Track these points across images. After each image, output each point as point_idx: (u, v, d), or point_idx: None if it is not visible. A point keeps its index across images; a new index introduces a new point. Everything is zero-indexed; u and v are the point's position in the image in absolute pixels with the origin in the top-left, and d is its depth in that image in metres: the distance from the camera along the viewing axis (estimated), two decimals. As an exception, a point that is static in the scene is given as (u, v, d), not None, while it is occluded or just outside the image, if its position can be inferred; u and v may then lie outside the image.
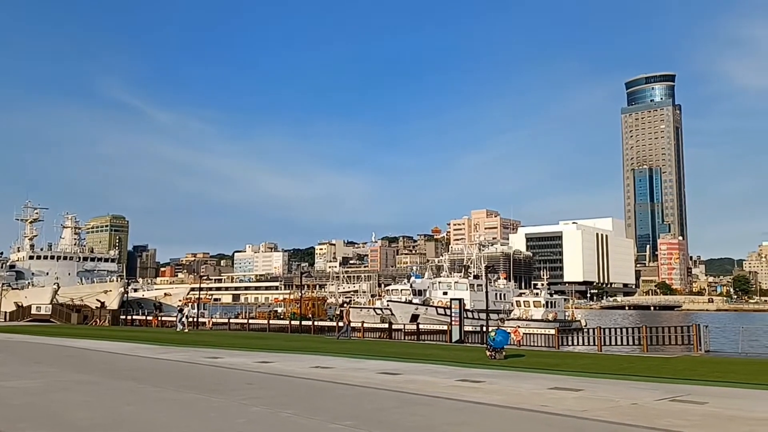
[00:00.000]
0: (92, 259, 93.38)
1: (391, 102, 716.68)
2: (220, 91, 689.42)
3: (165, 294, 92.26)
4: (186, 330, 48.76)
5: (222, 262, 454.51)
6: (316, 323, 57.20)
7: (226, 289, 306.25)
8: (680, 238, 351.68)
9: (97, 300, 75.33)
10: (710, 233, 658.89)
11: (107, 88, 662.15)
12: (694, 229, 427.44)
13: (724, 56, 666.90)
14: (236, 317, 68.89)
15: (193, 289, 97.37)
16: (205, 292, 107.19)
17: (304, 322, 56.53)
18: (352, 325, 44.86)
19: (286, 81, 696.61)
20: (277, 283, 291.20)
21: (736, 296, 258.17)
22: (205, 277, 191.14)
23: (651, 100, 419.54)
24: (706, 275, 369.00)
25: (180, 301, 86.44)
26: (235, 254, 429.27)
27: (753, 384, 16.33)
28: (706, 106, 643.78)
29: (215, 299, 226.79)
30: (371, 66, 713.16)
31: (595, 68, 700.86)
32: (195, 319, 62.21)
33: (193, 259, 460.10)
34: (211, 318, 65.92)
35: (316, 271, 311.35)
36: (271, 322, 60.99)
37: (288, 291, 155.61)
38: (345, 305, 42.84)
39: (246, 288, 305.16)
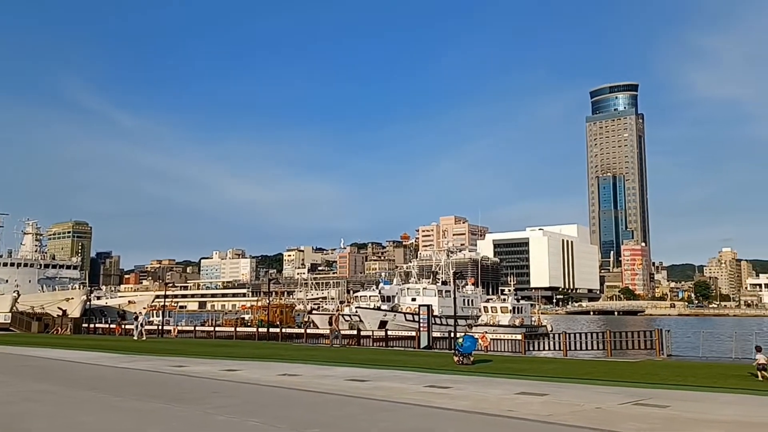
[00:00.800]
0: (54, 266, 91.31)
1: (360, 108, 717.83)
2: (189, 95, 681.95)
3: (129, 302, 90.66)
4: (143, 338, 48.01)
5: (188, 268, 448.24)
6: (284, 330, 56.71)
7: (192, 296, 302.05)
8: (643, 244, 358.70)
9: (59, 308, 73.59)
10: (672, 240, 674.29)
11: (71, 90, 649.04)
12: (657, 235, 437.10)
13: (686, 67, 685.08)
14: (202, 325, 67.94)
15: (158, 297, 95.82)
16: (170, 300, 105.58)
17: (271, 330, 56.00)
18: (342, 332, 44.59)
19: (255, 86, 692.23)
20: (244, 290, 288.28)
21: (697, 301, 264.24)
22: (170, 284, 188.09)
23: (615, 109, 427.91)
24: (668, 281, 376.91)
25: (144, 308, 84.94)
26: (202, 261, 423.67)
27: (713, 387, 16.70)
28: (668, 115, 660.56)
29: (181, 306, 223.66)
30: (341, 71, 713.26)
31: (562, 78, 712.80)
32: (160, 327, 61.19)
33: (158, 265, 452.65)
34: (177, 326, 64.88)
35: (285, 278, 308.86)
36: (238, 329, 60.25)
37: (256, 298, 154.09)
38: (336, 313, 42.56)
39: (213, 295, 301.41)
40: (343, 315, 75.72)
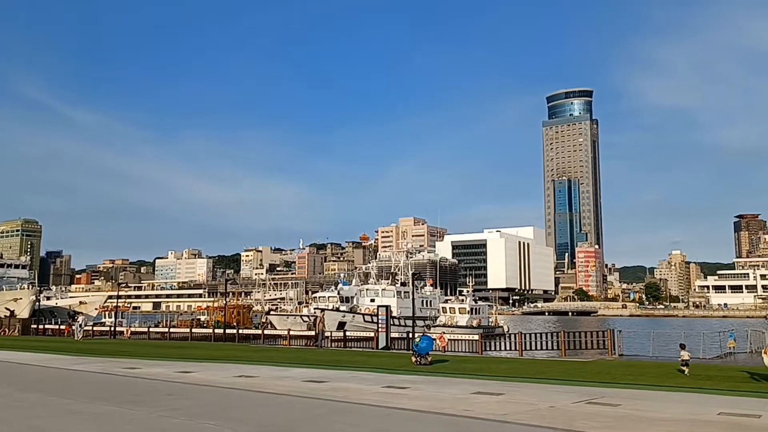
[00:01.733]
0: (1, 266, 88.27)
1: (319, 109, 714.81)
2: (146, 93, 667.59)
3: (80, 302, 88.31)
4: (83, 338, 47.01)
5: (142, 268, 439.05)
6: (240, 331, 56.07)
7: (147, 296, 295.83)
8: (596, 246, 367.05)
9: (6, 308, 71.17)
10: (624, 242, 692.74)
11: (24, 86, 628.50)
12: (610, 238, 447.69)
13: (638, 75, 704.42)
14: (156, 326, 66.61)
15: (110, 297, 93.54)
16: (123, 300, 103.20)
17: (228, 331, 55.29)
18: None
19: (214, 84, 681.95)
20: (200, 291, 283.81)
21: (647, 302, 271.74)
22: (123, 285, 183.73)
23: (570, 114, 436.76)
24: (620, 282, 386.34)
25: (96, 309, 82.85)
26: (157, 261, 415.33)
27: (663, 386, 17.20)
28: (621, 121, 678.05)
29: (134, 307, 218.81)
30: (300, 72, 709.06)
31: (519, 83, 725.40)
32: (112, 328, 59.78)
33: (111, 265, 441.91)
34: (130, 327, 63.50)
35: (242, 278, 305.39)
36: (193, 330, 59.32)
37: (212, 299, 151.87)
38: (318, 315, 41.82)
39: (167, 296, 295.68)
40: (301, 316, 75.33)
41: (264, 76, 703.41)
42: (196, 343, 47.76)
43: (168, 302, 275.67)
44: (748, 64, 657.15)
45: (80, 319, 50.64)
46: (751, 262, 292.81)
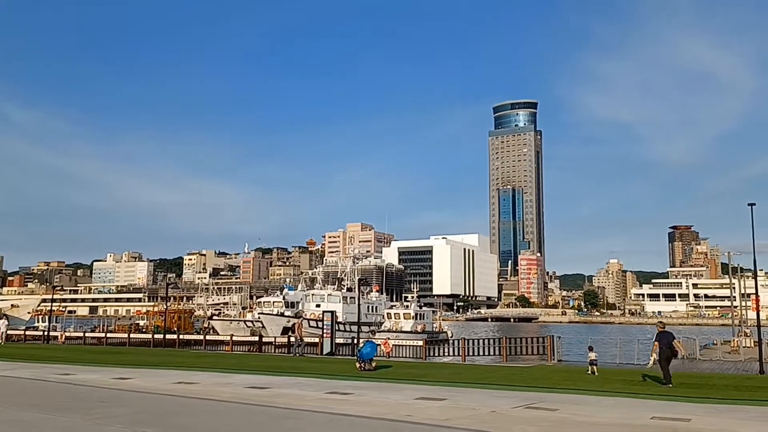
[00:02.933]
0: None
1: (265, 112, 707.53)
2: (87, 91, 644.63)
3: (12, 305, 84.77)
4: (2, 343, 45.27)
5: (79, 271, 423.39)
6: (181, 337, 54.82)
7: (83, 300, 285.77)
8: (538, 254, 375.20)
9: (-71, 312, 67.53)
10: (565, 250, 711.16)
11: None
12: (551, 246, 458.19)
13: (581, 89, 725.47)
14: (93, 330, 64.52)
15: (44, 301, 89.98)
16: (58, 304, 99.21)
17: (168, 336, 53.96)
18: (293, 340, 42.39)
19: (157, 84, 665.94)
20: (140, 295, 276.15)
21: (586, 309, 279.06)
22: (59, 288, 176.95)
23: (515, 125, 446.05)
24: (560, 289, 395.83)
25: (29, 313, 79.65)
26: (95, 263, 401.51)
27: (599, 391, 17.72)
28: (564, 133, 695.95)
29: (70, 311, 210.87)
30: (246, 73, 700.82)
31: (468, 93, 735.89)
32: (46, 333, 57.54)
33: (45, 267, 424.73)
34: (64, 331, 61.26)
35: (184, 283, 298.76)
36: (132, 335, 57.65)
37: (152, 303, 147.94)
38: (296, 321, 40.42)
39: (105, 300, 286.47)
40: (245, 321, 74.26)
41: (211, 78, 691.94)
42: (135, 349, 46.46)
43: (105, 306, 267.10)
44: (684, 82, 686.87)
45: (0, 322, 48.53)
46: (683, 271, 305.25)
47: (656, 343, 20.19)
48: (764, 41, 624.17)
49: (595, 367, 23.20)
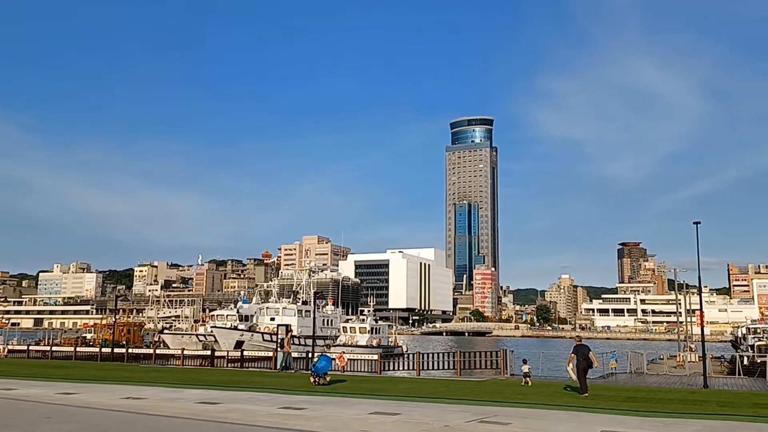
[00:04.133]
0: None
1: (218, 123, 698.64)
2: (36, 95, 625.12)
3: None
4: None
5: (24, 282, 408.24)
6: (130, 351, 53.35)
7: (27, 312, 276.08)
8: (493, 269, 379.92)
9: None
10: (519, 265, 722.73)
11: None
12: (505, 261, 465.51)
13: (535, 107, 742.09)
14: (37, 343, 62.18)
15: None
16: (1, 316, 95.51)
17: (116, 350, 52.46)
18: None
19: (110, 91, 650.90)
20: (88, 307, 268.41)
21: (538, 324, 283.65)
22: (2, 299, 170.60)
23: (472, 141, 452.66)
24: (513, 304, 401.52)
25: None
26: (41, 274, 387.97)
27: (551, 405, 18.01)
28: (519, 150, 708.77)
29: (13, 324, 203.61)
30: (202, 84, 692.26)
31: (425, 108, 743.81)
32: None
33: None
34: (7, 344, 58.95)
35: (135, 295, 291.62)
36: (78, 349, 55.79)
37: (101, 316, 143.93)
38: (284, 336, 38.84)
39: (51, 312, 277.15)
40: (197, 334, 72.81)
41: (165, 86, 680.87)
42: (81, 363, 45.00)
43: (51, 319, 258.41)
44: (633, 102, 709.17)
45: None
46: (632, 287, 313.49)
47: (573, 355, 21.43)
48: (708, 65, 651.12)
49: (528, 379, 24.69)
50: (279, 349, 37.86)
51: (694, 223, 29.57)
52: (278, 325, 43.62)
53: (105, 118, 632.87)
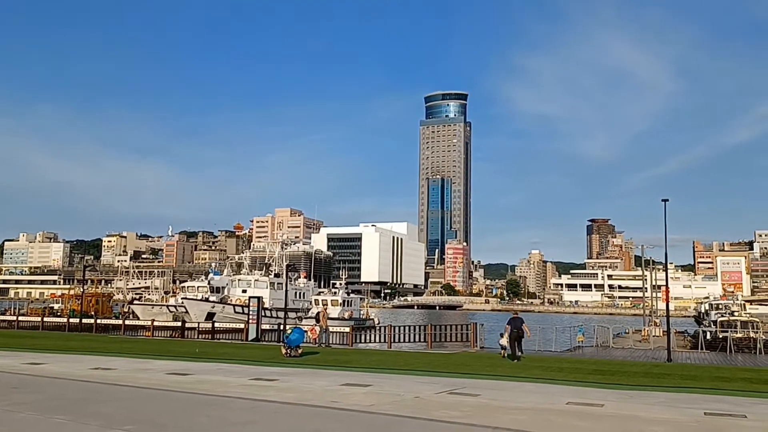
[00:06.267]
0: None
1: (192, 92, 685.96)
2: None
3: None
4: None
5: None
6: (99, 321, 52.78)
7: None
8: (465, 243, 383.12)
9: None
10: (489, 240, 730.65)
11: None
12: (477, 236, 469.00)
13: (509, 83, 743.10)
14: (3, 314, 61.12)
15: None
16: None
17: (85, 320, 51.85)
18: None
19: (75, 57, 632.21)
20: (55, 277, 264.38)
21: (508, 298, 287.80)
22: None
23: (446, 116, 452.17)
24: (484, 278, 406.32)
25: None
26: (6, 243, 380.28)
27: (519, 377, 18.32)
28: (492, 125, 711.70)
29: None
30: (171, 51, 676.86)
31: (400, 82, 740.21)
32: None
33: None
34: (-29, 315, 57.82)
35: (103, 265, 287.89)
36: (45, 319, 55.02)
37: (68, 286, 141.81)
38: (321, 310, 37.67)
39: (17, 281, 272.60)
40: (167, 306, 72.29)
41: (132, 53, 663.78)
42: (48, 333, 44.45)
43: (17, 288, 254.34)
44: (607, 80, 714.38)
45: None
46: (600, 263, 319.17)
47: (507, 326, 24.67)
48: (682, 44, 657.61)
49: (505, 351, 25.23)
50: (250, 321, 37.80)
51: (662, 200, 29.98)
52: (250, 297, 43.45)
53: (64, 81, 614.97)
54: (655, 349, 34.29)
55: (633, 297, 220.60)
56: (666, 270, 34.09)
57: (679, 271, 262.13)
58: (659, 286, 62.14)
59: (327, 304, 66.90)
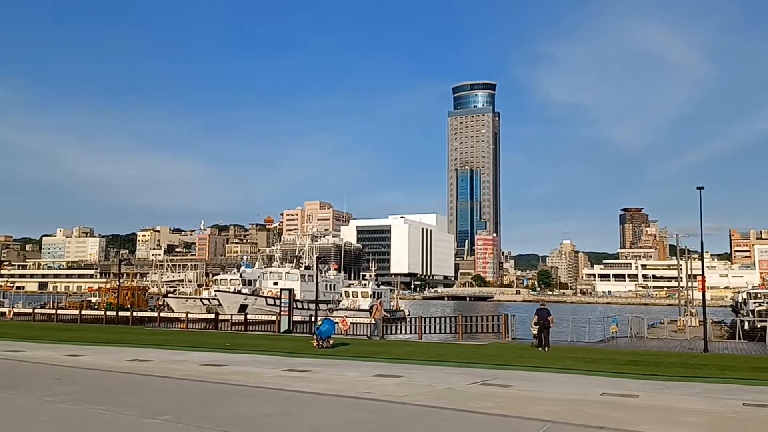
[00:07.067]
0: None
1: (222, 87, 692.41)
2: (31, 58, 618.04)
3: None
4: None
5: (28, 246, 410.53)
6: (135, 314, 53.90)
7: (32, 276, 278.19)
8: (494, 234, 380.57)
9: None
10: (520, 231, 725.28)
11: None
12: (507, 226, 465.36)
13: (538, 71, 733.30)
14: (42, 307, 62.81)
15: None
16: (5, 279, 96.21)
17: (121, 313, 52.99)
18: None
19: (107, 55, 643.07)
20: (92, 271, 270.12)
21: (539, 289, 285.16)
22: (6, 263, 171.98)
23: (474, 106, 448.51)
24: (515, 269, 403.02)
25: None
26: (44, 238, 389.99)
27: (551, 368, 18.17)
28: (521, 115, 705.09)
29: (18, 287, 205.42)
30: (198, 48, 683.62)
31: (427, 73, 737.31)
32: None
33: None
34: (12, 307, 59.54)
35: (138, 259, 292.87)
36: (83, 312, 56.40)
37: (105, 279, 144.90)
38: (375, 303, 37.86)
39: (55, 275, 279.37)
40: (201, 298, 73.41)
41: (164, 52, 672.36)
42: (87, 326, 45.52)
43: (56, 282, 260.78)
44: (638, 66, 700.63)
45: None
46: (633, 252, 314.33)
47: (535, 316, 25.37)
48: (714, 28, 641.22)
49: (536, 340, 25.20)
50: (282, 313, 38.17)
51: (697, 188, 29.35)
52: (281, 289, 43.89)
53: (97, 81, 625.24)
54: (691, 340, 33.69)
55: (668, 287, 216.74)
56: (702, 259, 33.39)
57: (716, 260, 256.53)
58: (695, 276, 60.89)
59: (358, 296, 67.22)
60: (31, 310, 59.20)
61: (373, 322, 32.38)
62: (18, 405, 10.85)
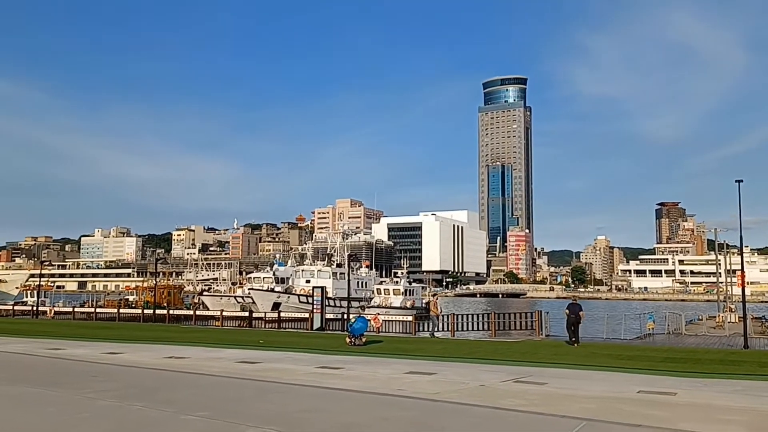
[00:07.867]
0: None
1: (253, 87, 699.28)
2: (67, 61, 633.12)
3: (0, 280, 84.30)
4: None
5: (67, 246, 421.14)
6: (171, 312, 54.85)
7: (71, 275, 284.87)
8: (527, 230, 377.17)
9: None
10: (553, 227, 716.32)
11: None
12: (539, 222, 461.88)
13: (570, 64, 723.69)
14: (82, 306, 64.32)
15: (33, 276, 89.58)
16: (46, 279, 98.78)
17: (158, 311, 53.98)
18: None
19: (142, 57, 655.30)
20: (129, 270, 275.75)
21: (573, 285, 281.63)
22: (47, 263, 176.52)
23: (505, 101, 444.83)
24: (548, 265, 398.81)
25: (17, 288, 79.42)
26: (82, 239, 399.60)
27: (585, 365, 17.94)
28: (553, 109, 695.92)
29: (58, 286, 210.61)
30: (232, 47, 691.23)
31: (457, 68, 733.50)
32: (35, 308, 57.38)
33: (33, 242, 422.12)
34: (53, 306, 61.10)
35: (173, 258, 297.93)
36: (121, 311, 57.60)
37: (141, 278, 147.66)
38: (432, 300, 38.16)
39: (94, 275, 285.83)
40: (235, 296, 74.35)
41: (196, 52, 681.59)
42: (125, 324, 46.47)
43: (94, 281, 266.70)
44: (672, 57, 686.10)
45: None
46: (670, 247, 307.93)
47: (566, 311, 25.64)
48: (750, 17, 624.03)
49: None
50: (315, 310, 38.44)
51: (736, 181, 28.56)
52: (314, 287, 44.19)
53: (132, 83, 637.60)
54: (730, 336, 32.92)
55: (706, 282, 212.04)
56: (741, 254, 32.55)
57: (756, 254, 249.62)
58: (734, 271, 59.47)
59: (390, 293, 67.32)
60: (71, 309, 60.67)
61: (433, 316, 32.68)
62: (60, 402, 11.14)
